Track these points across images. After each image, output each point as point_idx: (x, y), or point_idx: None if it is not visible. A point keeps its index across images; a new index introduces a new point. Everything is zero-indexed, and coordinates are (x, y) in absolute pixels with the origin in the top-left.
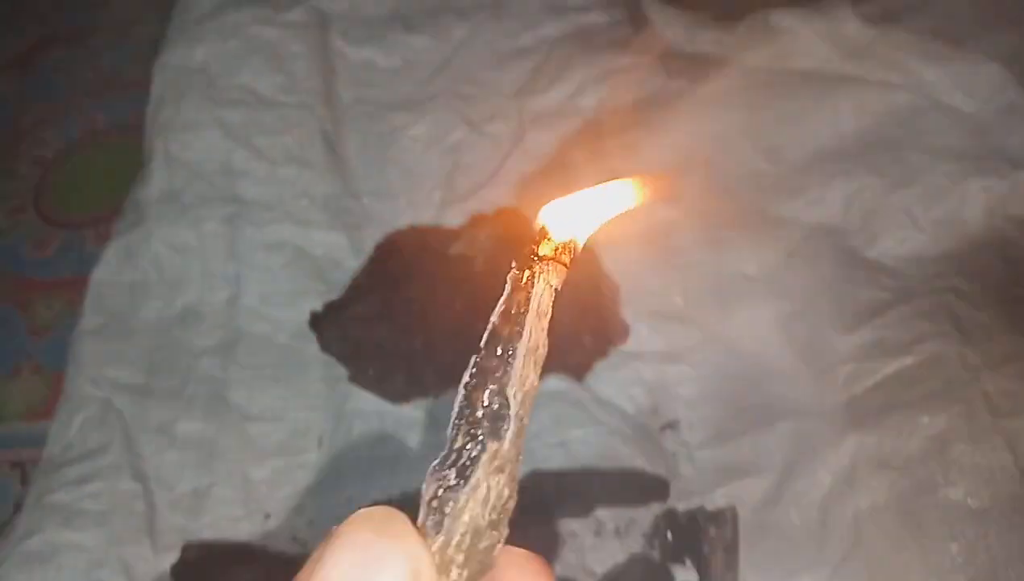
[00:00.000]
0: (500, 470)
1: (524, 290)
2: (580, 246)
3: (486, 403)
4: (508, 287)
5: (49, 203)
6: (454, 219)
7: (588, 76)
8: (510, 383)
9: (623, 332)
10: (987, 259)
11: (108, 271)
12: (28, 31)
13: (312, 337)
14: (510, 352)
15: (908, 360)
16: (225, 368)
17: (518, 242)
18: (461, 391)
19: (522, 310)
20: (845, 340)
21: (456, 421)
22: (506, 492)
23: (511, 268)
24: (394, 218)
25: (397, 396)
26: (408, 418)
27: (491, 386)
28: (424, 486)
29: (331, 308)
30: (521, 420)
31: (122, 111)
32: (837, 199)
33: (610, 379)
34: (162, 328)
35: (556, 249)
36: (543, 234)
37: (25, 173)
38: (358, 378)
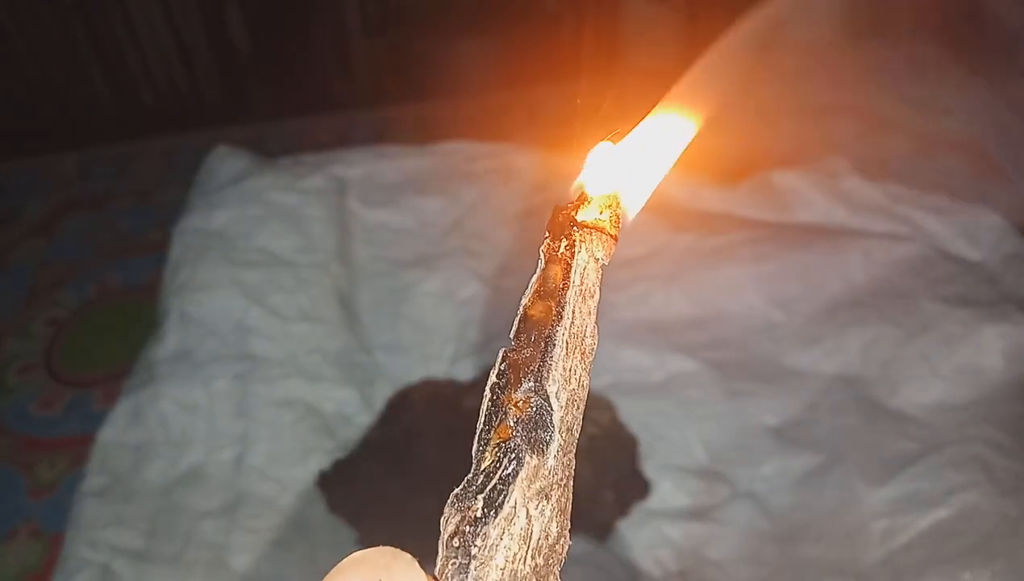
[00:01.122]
0: (544, 496)
1: (562, 262)
2: (630, 214)
3: (520, 405)
4: (541, 261)
5: (60, 361)
6: (466, 372)
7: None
8: (550, 379)
9: (645, 488)
10: (1012, 407)
11: (115, 431)
12: (53, 196)
13: (319, 498)
14: (548, 339)
15: (943, 513)
16: (227, 532)
17: None
18: (487, 395)
19: (560, 286)
20: (876, 494)
21: (483, 434)
22: (554, 528)
23: (544, 238)
24: (406, 373)
25: None
26: None
27: (526, 384)
28: (443, 521)
29: (340, 466)
30: (569, 429)
31: (138, 272)
32: (854, 349)
33: (634, 540)
34: (165, 489)
35: (600, 214)
36: (583, 197)
37: (38, 332)
38: (367, 541)
